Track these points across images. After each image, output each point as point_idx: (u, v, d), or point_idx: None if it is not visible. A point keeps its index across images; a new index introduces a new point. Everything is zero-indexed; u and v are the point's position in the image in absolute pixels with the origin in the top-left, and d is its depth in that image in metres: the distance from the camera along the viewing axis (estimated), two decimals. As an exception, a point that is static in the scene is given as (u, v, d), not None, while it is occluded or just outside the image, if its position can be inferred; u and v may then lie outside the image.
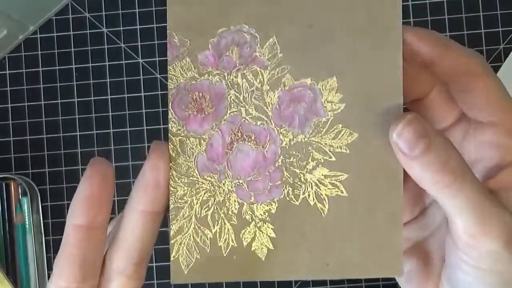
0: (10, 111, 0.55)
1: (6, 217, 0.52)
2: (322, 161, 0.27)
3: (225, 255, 0.27)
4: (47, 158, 0.54)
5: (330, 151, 0.27)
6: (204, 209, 0.26)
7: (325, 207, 0.27)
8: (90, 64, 0.55)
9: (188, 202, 0.26)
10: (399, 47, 0.26)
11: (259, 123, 0.27)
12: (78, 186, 0.23)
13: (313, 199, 0.27)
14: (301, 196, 0.27)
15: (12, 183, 0.53)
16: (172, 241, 0.26)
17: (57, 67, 0.55)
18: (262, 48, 0.27)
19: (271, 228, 0.27)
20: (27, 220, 0.53)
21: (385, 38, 0.26)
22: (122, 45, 0.55)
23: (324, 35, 0.26)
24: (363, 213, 0.27)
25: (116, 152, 0.54)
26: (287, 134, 0.27)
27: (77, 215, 0.23)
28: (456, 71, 0.26)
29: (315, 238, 0.27)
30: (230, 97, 0.26)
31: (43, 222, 0.54)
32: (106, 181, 0.23)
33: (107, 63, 0.55)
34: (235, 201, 0.27)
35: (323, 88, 0.27)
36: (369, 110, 0.26)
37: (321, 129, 0.27)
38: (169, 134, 0.26)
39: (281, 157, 0.27)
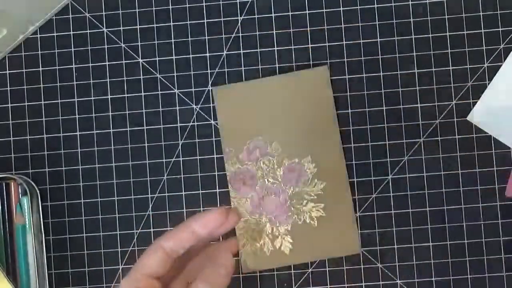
0: (10, 111, 0.55)
1: (6, 217, 0.52)
2: (310, 199, 0.51)
3: (268, 254, 0.51)
4: (47, 158, 0.54)
5: (313, 194, 0.51)
6: (254, 232, 0.51)
7: (314, 223, 0.51)
8: (90, 64, 0.55)
9: (245, 229, 0.52)
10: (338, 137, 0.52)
11: (275, 185, 0.52)
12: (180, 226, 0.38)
13: (308, 220, 0.51)
14: (302, 219, 0.51)
15: (12, 183, 0.53)
16: (240, 251, 0.51)
17: (57, 67, 0.55)
18: (270, 147, 0.52)
19: (290, 237, 0.51)
20: (27, 220, 0.53)
21: (328, 133, 0.52)
22: (122, 45, 0.55)
23: (299, 137, 0.52)
24: (334, 222, 0.51)
25: (116, 152, 0.54)
26: (290, 188, 0.52)
27: (167, 241, 0.38)
28: None
29: (311, 239, 0.51)
30: (258, 175, 0.52)
31: (43, 222, 0.54)
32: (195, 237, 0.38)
33: (107, 63, 0.55)
34: (269, 226, 0.51)
35: (304, 162, 0.51)
36: (329, 169, 0.51)
37: (306, 183, 0.51)
38: (230, 197, 0.52)
39: (289, 200, 0.52)
